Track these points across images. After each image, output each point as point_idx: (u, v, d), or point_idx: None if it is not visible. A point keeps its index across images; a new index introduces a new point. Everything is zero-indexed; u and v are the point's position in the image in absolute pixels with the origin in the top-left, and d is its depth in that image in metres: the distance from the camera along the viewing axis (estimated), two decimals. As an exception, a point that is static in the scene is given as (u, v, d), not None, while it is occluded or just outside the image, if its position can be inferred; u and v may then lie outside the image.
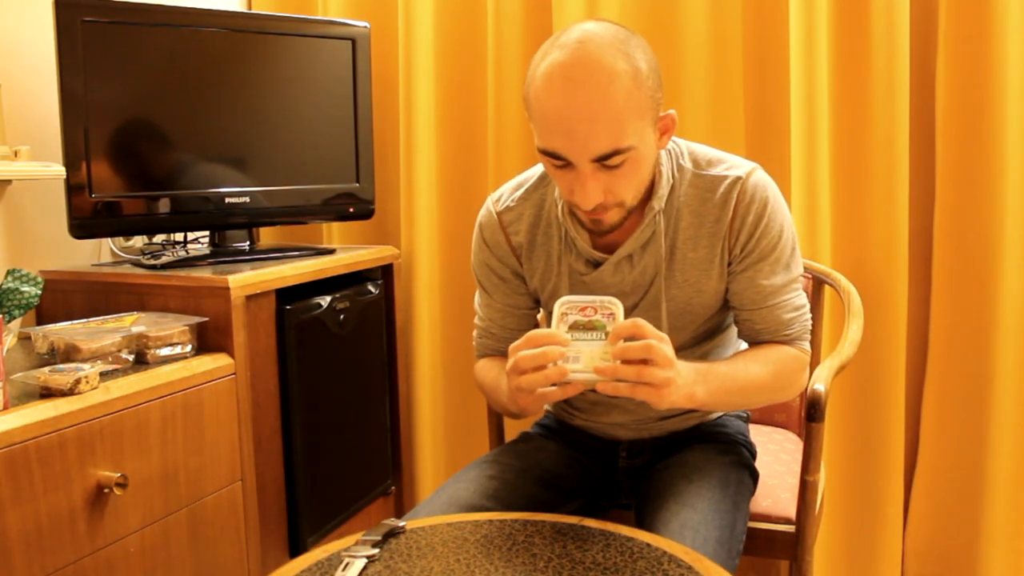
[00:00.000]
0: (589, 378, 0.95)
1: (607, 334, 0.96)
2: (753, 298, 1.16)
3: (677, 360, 0.98)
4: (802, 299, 1.19)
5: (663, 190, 1.13)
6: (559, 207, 1.18)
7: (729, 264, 1.15)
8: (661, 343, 0.95)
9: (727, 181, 1.13)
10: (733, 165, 1.15)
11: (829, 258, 1.75)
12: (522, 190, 1.23)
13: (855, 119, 1.73)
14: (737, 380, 1.10)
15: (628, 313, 1.16)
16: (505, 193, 1.25)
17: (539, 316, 1.32)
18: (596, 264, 1.17)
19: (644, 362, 0.95)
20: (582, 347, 0.97)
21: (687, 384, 1.00)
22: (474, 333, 1.33)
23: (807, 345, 1.20)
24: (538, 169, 1.24)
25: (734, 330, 1.28)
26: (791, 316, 1.17)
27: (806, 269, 1.56)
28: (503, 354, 1.24)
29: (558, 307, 1.00)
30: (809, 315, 1.20)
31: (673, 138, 1.18)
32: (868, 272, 1.73)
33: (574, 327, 0.98)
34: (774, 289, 1.15)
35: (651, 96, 1.01)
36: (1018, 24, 1.58)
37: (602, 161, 1.00)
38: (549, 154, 1.02)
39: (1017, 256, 1.63)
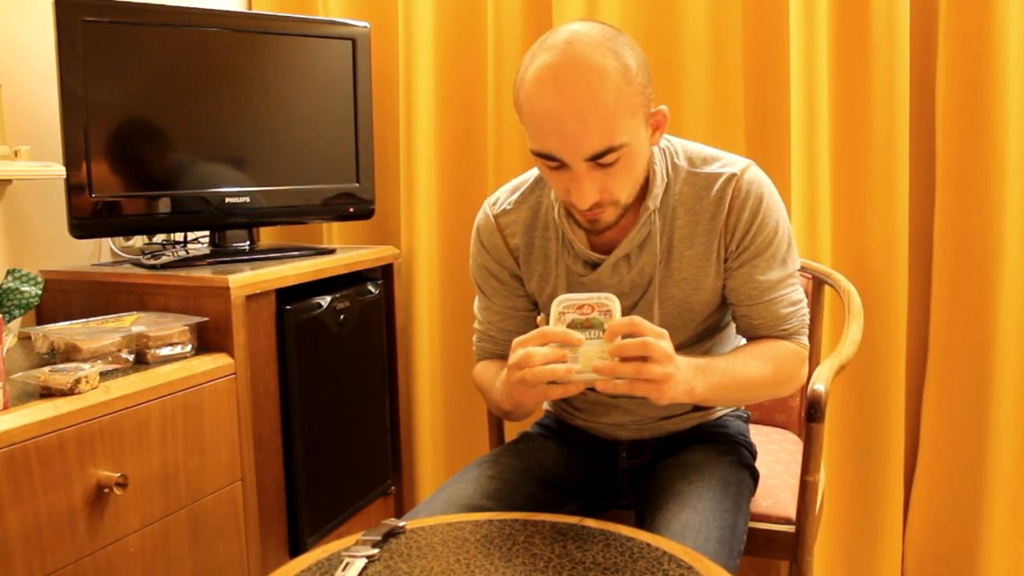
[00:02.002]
0: (588, 377, 0.95)
1: (604, 332, 0.96)
2: (750, 294, 1.16)
3: (676, 355, 0.98)
4: (799, 294, 1.19)
5: (657, 189, 1.13)
6: (556, 209, 1.18)
7: (726, 261, 1.16)
8: (659, 339, 0.95)
9: (722, 178, 1.13)
10: (728, 162, 1.15)
11: (829, 258, 1.75)
12: (518, 193, 1.24)
13: (855, 119, 1.73)
14: (736, 375, 1.10)
15: (626, 312, 1.17)
16: (502, 196, 1.25)
17: (538, 319, 1.32)
18: (594, 265, 1.17)
19: (643, 359, 0.95)
20: (580, 346, 0.97)
21: (687, 379, 1.00)
22: (474, 338, 1.33)
23: (805, 340, 1.20)
24: (535, 172, 1.24)
25: (733, 328, 1.28)
26: (788, 311, 1.17)
27: (806, 269, 1.56)
28: (502, 357, 1.24)
29: (555, 306, 0.99)
30: (807, 310, 1.20)
31: (667, 137, 1.18)
32: (868, 272, 1.73)
33: (572, 326, 0.97)
34: (771, 284, 1.15)
35: (641, 92, 1.01)
36: (1018, 24, 1.58)
37: (596, 160, 1.00)
38: (543, 156, 1.02)
39: (1017, 256, 1.63)
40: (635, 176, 1.07)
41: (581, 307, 0.98)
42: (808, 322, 1.21)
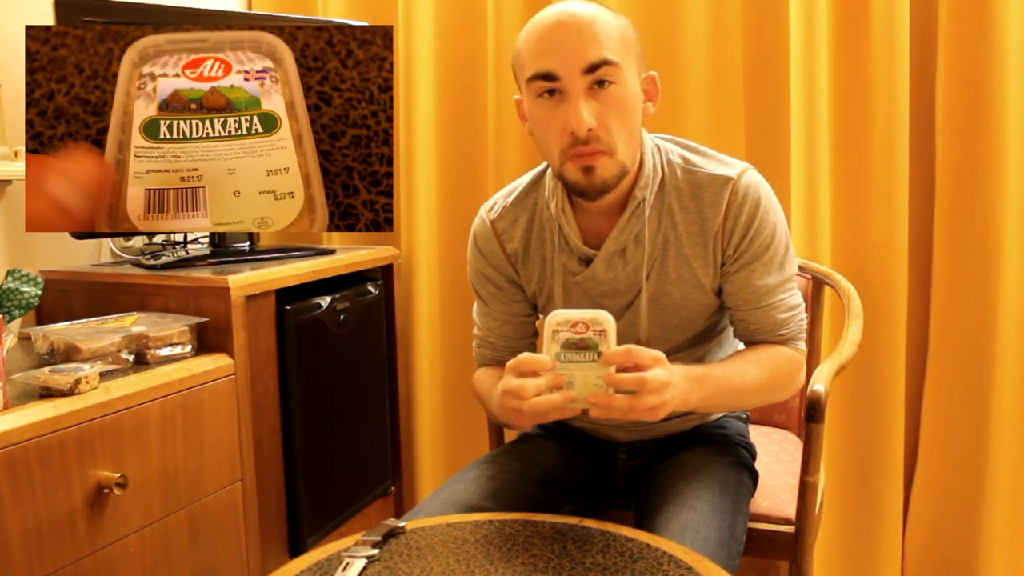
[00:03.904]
0: (584, 406, 0.96)
1: (599, 354, 0.96)
2: (747, 299, 1.16)
3: (671, 366, 0.98)
4: (797, 299, 1.19)
5: (647, 179, 1.13)
6: (552, 206, 1.18)
7: (722, 265, 1.15)
8: (654, 368, 0.95)
9: (718, 181, 1.13)
10: (724, 164, 1.15)
11: (829, 258, 1.75)
12: (514, 196, 1.24)
13: (855, 119, 1.73)
14: (733, 383, 1.10)
15: (623, 311, 1.17)
16: (498, 201, 1.26)
17: (538, 323, 1.32)
18: (588, 261, 1.17)
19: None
20: (575, 370, 0.96)
21: (682, 392, 1.00)
22: (473, 344, 1.33)
23: (802, 344, 1.20)
24: (528, 176, 1.25)
25: (731, 332, 1.28)
26: (786, 316, 1.17)
27: (805, 270, 1.56)
28: (502, 363, 1.24)
29: (549, 325, 0.98)
30: (804, 315, 1.20)
31: (662, 136, 1.19)
32: (868, 272, 1.73)
33: (566, 345, 0.96)
34: (768, 289, 1.15)
35: (634, 43, 1.08)
36: (1018, 24, 1.58)
37: (592, 73, 1.03)
38: (540, 77, 1.05)
39: (1017, 256, 1.63)
40: (628, 122, 1.07)
41: (575, 325, 0.96)
42: (805, 327, 1.21)
